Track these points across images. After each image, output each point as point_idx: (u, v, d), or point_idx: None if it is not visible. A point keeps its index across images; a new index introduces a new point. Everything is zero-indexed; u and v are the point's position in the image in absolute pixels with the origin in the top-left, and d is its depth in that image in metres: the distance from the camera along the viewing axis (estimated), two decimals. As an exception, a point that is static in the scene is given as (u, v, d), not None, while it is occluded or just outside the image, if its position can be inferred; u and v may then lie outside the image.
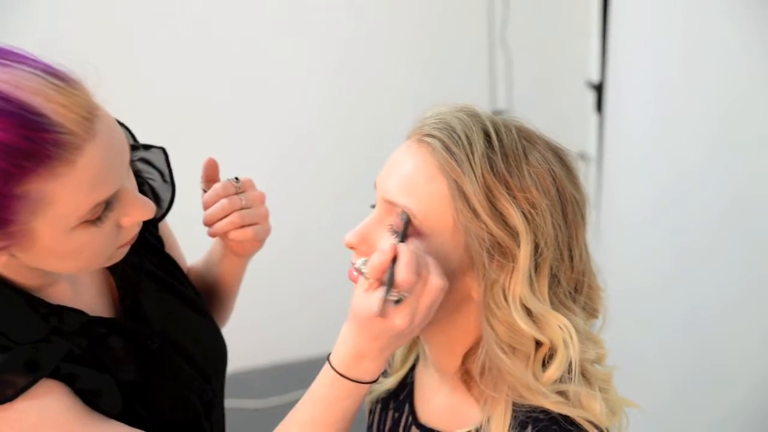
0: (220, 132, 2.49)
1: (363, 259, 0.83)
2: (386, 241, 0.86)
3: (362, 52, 2.65)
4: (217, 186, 1.05)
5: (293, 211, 2.63)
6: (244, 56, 2.52)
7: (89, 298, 0.96)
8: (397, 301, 0.78)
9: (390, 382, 1.06)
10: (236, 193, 1.05)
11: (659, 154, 1.98)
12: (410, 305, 0.79)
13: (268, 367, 2.78)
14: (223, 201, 1.04)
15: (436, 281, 0.80)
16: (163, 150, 1.03)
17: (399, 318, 0.79)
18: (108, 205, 0.82)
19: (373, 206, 0.92)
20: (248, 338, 2.65)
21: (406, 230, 0.84)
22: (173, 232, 1.17)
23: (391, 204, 0.87)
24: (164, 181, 1.01)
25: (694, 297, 1.86)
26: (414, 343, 1.06)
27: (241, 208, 1.05)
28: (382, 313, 0.78)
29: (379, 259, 0.79)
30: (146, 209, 0.86)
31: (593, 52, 2.50)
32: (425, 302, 0.80)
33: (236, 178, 1.06)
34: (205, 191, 1.07)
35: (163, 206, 1.01)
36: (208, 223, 1.05)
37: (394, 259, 0.79)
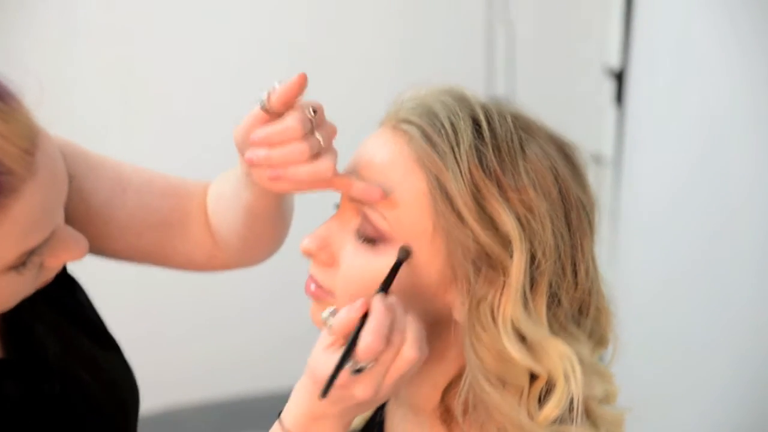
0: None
1: (331, 308, 0.84)
2: (352, 253, 0.87)
3: (335, 29, 2.67)
4: (292, 120, 0.84)
5: None
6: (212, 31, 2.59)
7: None
8: (358, 370, 0.79)
9: (355, 423, 1.06)
10: (312, 132, 0.86)
11: (690, 155, 2.00)
12: (374, 377, 0.80)
13: (205, 405, 2.77)
14: (302, 147, 0.84)
15: (409, 353, 0.80)
16: None
17: (359, 390, 0.80)
18: (36, 249, 0.81)
19: (337, 206, 0.92)
20: (181, 371, 2.67)
21: (394, 276, 0.84)
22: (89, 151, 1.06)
23: (357, 203, 0.88)
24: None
25: (731, 324, 1.87)
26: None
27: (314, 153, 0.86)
28: (339, 381, 0.78)
29: (347, 316, 0.80)
30: (77, 249, 0.85)
31: (614, 32, 2.52)
32: (393, 375, 0.80)
33: (314, 110, 0.87)
34: (264, 111, 0.87)
35: None
36: (271, 166, 0.86)
37: (366, 316, 0.79)
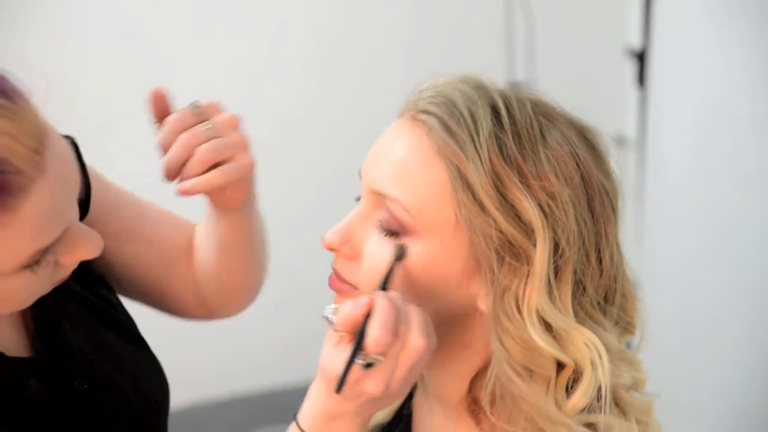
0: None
1: (332, 306, 0.84)
2: (375, 246, 0.87)
3: (351, 16, 2.66)
4: (169, 119, 0.94)
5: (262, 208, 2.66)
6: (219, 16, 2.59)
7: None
8: (368, 365, 0.79)
9: (382, 415, 1.06)
10: (199, 123, 0.94)
11: (716, 137, 1.98)
12: (384, 371, 0.80)
13: (223, 402, 2.78)
14: (182, 136, 0.93)
15: (416, 342, 0.80)
16: (73, 141, 0.98)
17: (371, 384, 0.80)
18: (49, 247, 0.81)
19: (359, 199, 0.92)
20: (202, 365, 2.68)
21: (392, 273, 0.85)
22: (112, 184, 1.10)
23: (379, 196, 0.88)
24: None
25: (761, 310, 1.86)
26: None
27: (209, 140, 0.93)
28: (351, 377, 0.79)
29: (351, 310, 0.80)
30: (93, 246, 0.85)
31: (634, 11, 2.51)
32: (403, 367, 0.81)
33: (195, 104, 0.96)
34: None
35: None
36: (171, 172, 0.93)
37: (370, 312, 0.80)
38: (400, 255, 0.85)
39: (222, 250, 1.09)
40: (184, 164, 0.93)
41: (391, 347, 0.79)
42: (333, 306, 0.84)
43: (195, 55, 2.58)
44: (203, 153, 0.93)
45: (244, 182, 0.99)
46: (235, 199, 1.02)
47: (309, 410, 0.84)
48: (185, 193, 0.93)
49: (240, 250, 1.10)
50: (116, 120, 2.49)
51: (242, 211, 1.05)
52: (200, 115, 0.95)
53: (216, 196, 1.01)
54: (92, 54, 2.48)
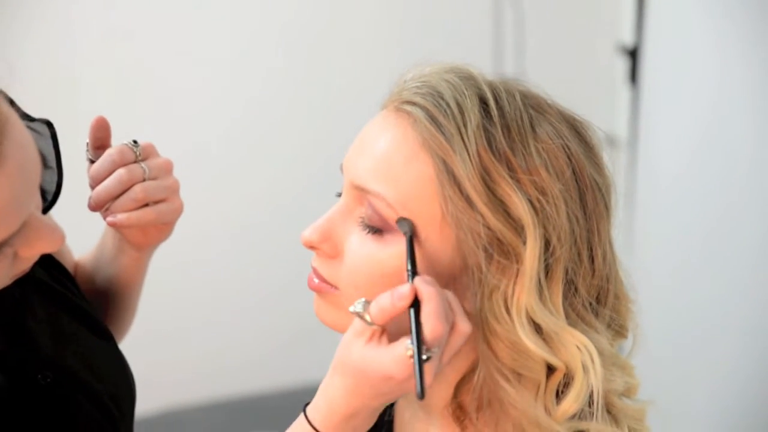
0: (159, 103, 2.59)
1: (362, 300, 0.81)
2: (356, 244, 0.86)
3: (338, 9, 2.67)
4: (110, 151, 1.00)
5: (238, 201, 2.66)
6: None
7: None
8: (427, 358, 0.77)
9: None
10: (136, 161, 1.01)
11: (710, 138, 1.98)
12: (436, 361, 0.78)
13: (208, 405, 2.77)
14: (120, 171, 0.99)
15: (464, 326, 0.80)
16: (49, 124, 0.97)
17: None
18: (8, 239, 0.79)
19: (340, 195, 0.91)
20: (183, 370, 2.67)
21: (413, 253, 0.82)
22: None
23: (361, 191, 0.87)
24: (46, 166, 0.98)
25: (752, 311, 1.86)
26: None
27: (144, 180, 1.00)
28: (406, 373, 0.77)
29: (391, 303, 0.78)
30: (53, 240, 0.84)
31: (626, 7, 2.51)
32: (449, 353, 0.80)
33: (134, 141, 1.02)
34: (92, 162, 1.03)
35: (47, 197, 0.98)
36: (101, 203, 0.99)
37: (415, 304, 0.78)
38: (412, 230, 0.83)
39: (111, 285, 1.15)
40: (114, 198, 0.99)
41: (444, 336, 0.78)
42: (363, 300, 0.81)
43: (193, 55, 2.62)
44: (139, 192, 0.99)
45: (168, 225, 1.07)
46: (153, 238, 1.08)
47: (325, 408, 0.83)
48: (115, 224, 1.00)
49: (129, 288, 1.16)
50: (117, 119, 2.50)
51: (147, 253, 1.12)
52: (138, 153, 1.02)
53: (135, 233, 1.06)
54: (92, 53, 2.50)
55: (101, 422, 1.01)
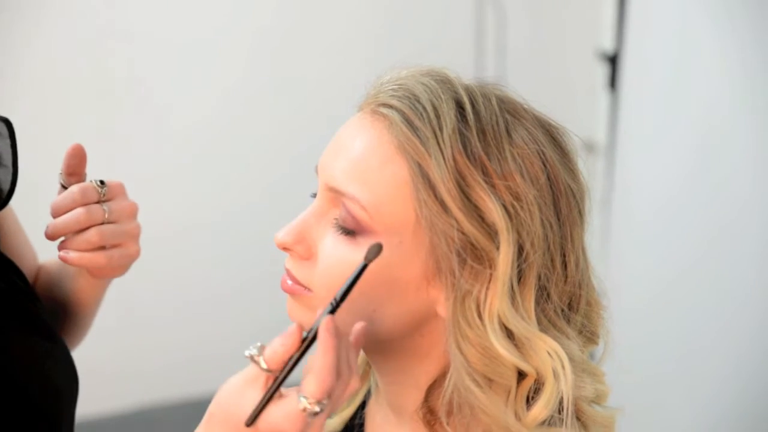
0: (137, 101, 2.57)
1: (258, 344, 0.78)
2: (330, 246, 0.86)
3: (316, 6, 2.67)
4: (73, 189, 1.00)
5: (210, 203, 2.66)
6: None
7: None
8: (316, 413, 0.75)
9: (333, 424, 1.05)
10: (99, 201, 1.01)
11: (686, 144, 2.00)
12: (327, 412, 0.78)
13: (184, 403, 2.75)
14: (79, 211, 0.99)
15: (354, 384, 0.79)
16: (7, 122, 0.98)
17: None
18: None
19: (314, 196, 0.91)
20: (160, 367, 2.66)
21: (358, 279, 0.80)
22: (18, 219, 1.13)
23: (336, 193, 0.87)
24: (1, 165, 0.98)
25: (727, 319, 1.87)
26: (364, 374, 1.05)
27: (103, 222, 1.01)
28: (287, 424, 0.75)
29: (282, 344, 0.77)
30: None
31: (607, 14, 2.52)
32: (336, 406, 0.79)
33: (101, 182, 1.03)
34: (64, 188, 1.03)
35: (1, 195, 0.98)
36: (56, 236, 1.00)
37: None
38: (373, 257, 0.81)
39: (67, 299, 1.15)
40: (70, 233, 1.00)
41: (335, 390, 0.77)
42: (259, 344, 0.79)
43: (188, 58, 2.63)
44: (94, 234, 1.00)
45: (121, 267, 1.08)
46: (106, 274, 1.09)
47: None
48: (65, 261, 1.01)
49: (82, 308, 1.15)
50: (116, 119, 2.48)
51: (105, 281, 1.14)
52: (103, 194, 1.02)
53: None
54: (90, 55, 2.48)
55: (32, 417, 1.00)
